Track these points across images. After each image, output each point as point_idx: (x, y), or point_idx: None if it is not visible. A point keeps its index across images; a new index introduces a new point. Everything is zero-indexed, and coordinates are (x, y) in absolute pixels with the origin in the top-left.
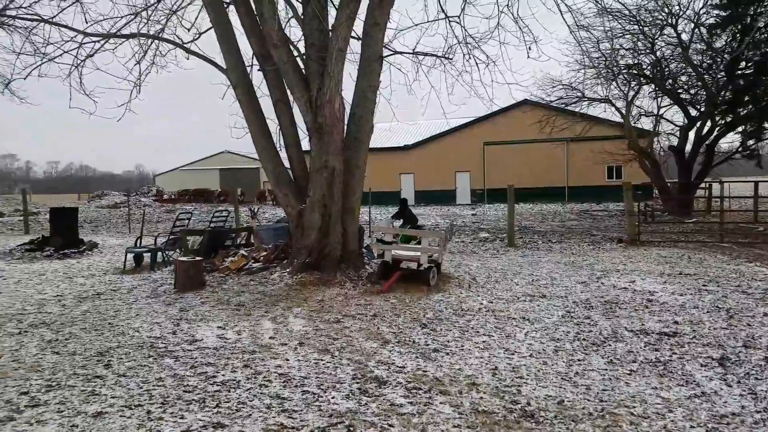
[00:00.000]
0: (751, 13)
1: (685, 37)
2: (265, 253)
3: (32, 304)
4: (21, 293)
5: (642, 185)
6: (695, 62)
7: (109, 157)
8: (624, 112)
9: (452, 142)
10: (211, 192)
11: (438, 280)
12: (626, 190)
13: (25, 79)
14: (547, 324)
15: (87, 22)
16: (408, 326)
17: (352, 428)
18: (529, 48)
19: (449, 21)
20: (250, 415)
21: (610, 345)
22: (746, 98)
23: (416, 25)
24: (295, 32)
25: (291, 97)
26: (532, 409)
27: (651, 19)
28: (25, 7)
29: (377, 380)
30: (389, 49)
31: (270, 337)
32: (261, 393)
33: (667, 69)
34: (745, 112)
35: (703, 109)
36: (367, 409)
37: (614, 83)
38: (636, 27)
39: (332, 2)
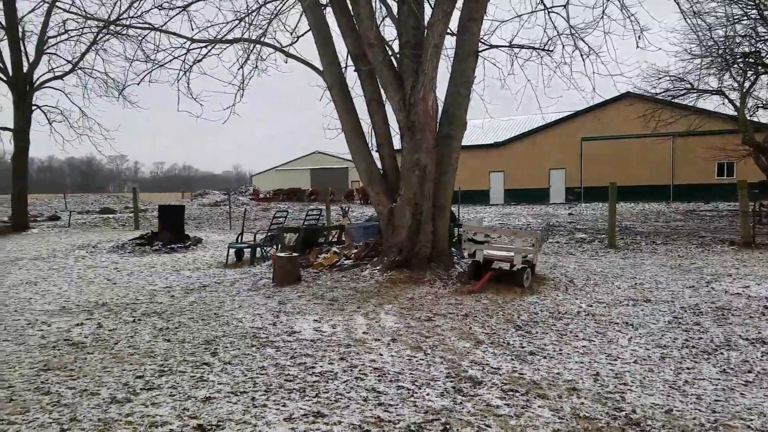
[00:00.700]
0: None
1: None
2: (356, 250)
3: (144, 294)
4: (134, 284)
5: (758, 183)
6: None
7: (210, 158)
8: (738, 104)
9: (546, 139)
10: (302, 191)
11: (532, 281)
12: (741, 188)
13: (138, 84)
14: (652, 330)
15: (193, 29)
16: (501, 327)
17: (448, 426)
18: (639, 37)
19: (548, 12)
20: (348, 406)
21: (722, 353)
22: None
23: (516, 16)
24: (388, 31)
25: (384, 96)
26: (637, 417)
27: None
28: (136, 17)
29: (472, 380)
30: (484, 44)
31: (363, 332)
32: (357, 386)
33: None
34: None
35: None
36: (463, 408)
37: (728, 73)
38: (755, 11)
39: (428, 0)
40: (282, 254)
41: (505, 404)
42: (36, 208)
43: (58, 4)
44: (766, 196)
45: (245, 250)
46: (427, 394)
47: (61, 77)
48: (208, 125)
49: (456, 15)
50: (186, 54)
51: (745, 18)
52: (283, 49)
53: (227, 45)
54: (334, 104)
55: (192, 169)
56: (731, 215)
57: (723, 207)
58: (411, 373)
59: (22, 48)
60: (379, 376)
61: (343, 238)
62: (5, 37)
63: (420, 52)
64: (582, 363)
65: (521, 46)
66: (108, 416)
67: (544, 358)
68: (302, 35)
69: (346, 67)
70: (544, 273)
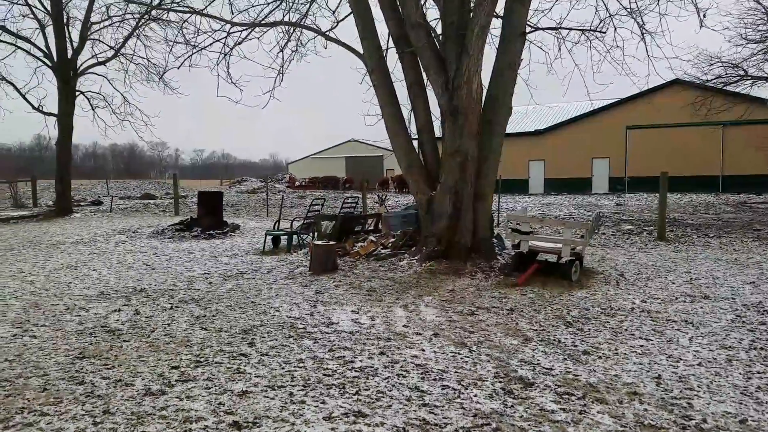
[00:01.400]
0: None
1: None
2: (393, 239)
3: (182, 280)
4: (172, 270)
5: None
6: None
7: (248, 147)
8: None
9: (590, 127)
10: (337, 179)
11: (580, 275)
12: None
13: (178, 68)
14: (714, 329)
15: (233, 13)
16: (551, 324)
17: None
18: (704, 15)
19: None
20: (390, 406)
21: None
22: None
23: None
24: (431, 13)
25: (426, 80)
26: (709, 427)
27: None
28: (178, 2)
29: (522, 381)
30: (531, 26)
31: (403, 325)
32: (399, 383)
33: None
34: None
35: None
36: (514, 412)
37: None
38: None
39: None
40: (319, 242)
41: (560, 409)
42: (80, 193)
43: None
44: None
45: (282, 237)
46: (475, 396)
47: (104, 63)
48: (246, 114)
49: None
50: (226, 37)
51: None
52: (325, 33)
53: (267, 28)
54: (374, 89)
55: (230, 157)
56: None
57: None
58: (456, 372)
59: (67, 34)
60: (422, 373)
61: (380, 227)
62: (51, 23)
63: (465, 32)
64: (641, 364)
65: (570, 28)
66: (141, 409)
67: (599, 358)
68: (342, 20)
69: (386, 50)
70: (591, 266)
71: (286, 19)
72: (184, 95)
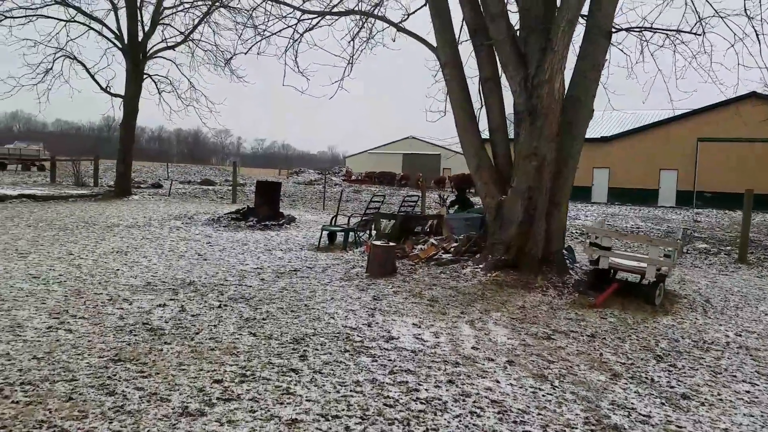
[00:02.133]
0: None
1: None
2: (455, 244)
3: (233, 275)
4: (224, 262)
5: None
6: None
7: (307, 138)
8: None
9: (659, 136)
10: (393, 175)
11: (663, 298)
12: None
13: (245, 54)
14: None
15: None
16: (639, 357)
17: None
18: None
19: None
20: None
21: None
22: None
23: None
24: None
25: (502, 77)
26: None
27: None
28: None
29: (617, 430)
30: (615, 26)
31: (472, 347)
32: (474, 424)
33: None
34: None
35: None
36: None
37: None
38: None
39: None
40: (378, 243)
41: None
42: (141, 175)
43: None
44: None
45: (338, 233)
46: None
47: (173, 47)
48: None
49: None
50: (297, 24)
51: None
52: (397, 23)
53: (338, 17)
54: (445, 83)
55: (290, 148)
56: None
57: None
58: (539, 414)
59: (139, 17)
60: (499, 413)
61: (441, 229)
62: (124, 5)
63: (550, 26)
64: (753, 417)
65: (657, 29)
66: None
67: (702, 404)
68: (413, 12)
69: (460, 43)
70: (672, 288)
71: (357, 8)
72: (250, 83)
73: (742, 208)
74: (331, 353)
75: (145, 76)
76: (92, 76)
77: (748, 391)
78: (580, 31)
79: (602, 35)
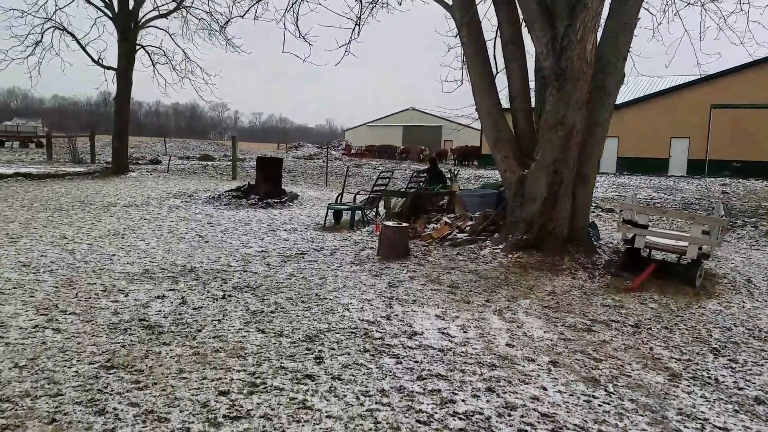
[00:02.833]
0: None
1: None
2: (471, 222)
3: (237, 259)
4: (227, 245)
5: None
6: None
7: (304, 111)
8: None
9: (670, 104)
10: (394, 148)
11: (702, 279)
12: None
13: (242, 17)
14: None
15: None
16: (693, 350)
17: None
18: None
19: None
20: None
21: None
22: None
23: None
24: None
25: (525, 40)
26: None
27: None
28: None
29: None
30: None
31: (507, 344)
32: None
33: None
34: None
35: None
36: None
37: None
38: None
39: None
40: (390, 223)
41: None
42: (140, 151)
43: None
44: None
45: (345, 212)
46: None
47: (165, 15)
48: (305, 78)
49: None
50: None
51: None
52: None
53: None
54: (462, 46)
55: (288, 121)
56: None
57: None
58: (600, 431)
59: None
60: (553, 431)
61: (453, 206)
62: None
63: None
64: None
65: None
66: None
67: None
68: None
69: (478, 2)
70: (709, 266)
71: None
72: (246, 53)
73: (758, 177)
74: (349, 353)
75: (138, 47)
76: (83, 48)
77: None
78: None
79: None
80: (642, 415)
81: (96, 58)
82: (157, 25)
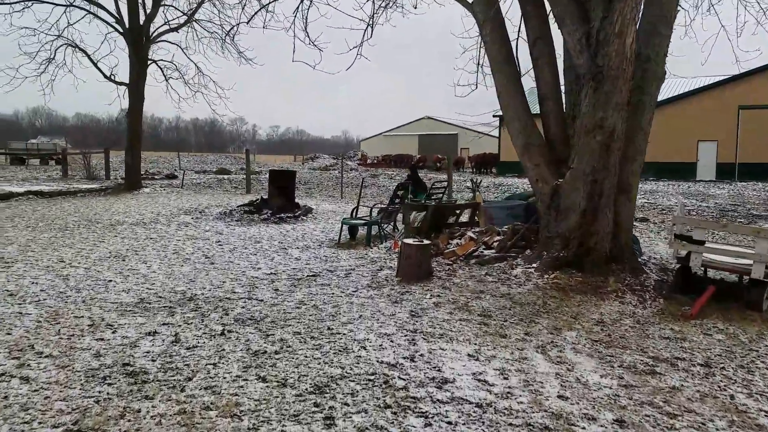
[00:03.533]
0: None
1: None
2: (499, 237)
3: (243, 284)
4: (234, 267)
5: None
6: None
7: (320, 123)
8: None
9: (696, 105)
10: (410, 157)
11: None
12: None
13: (247, 23)
14: None
15: None
16: None
17: None
18: None
19: None
20: None
21: None
22: None
23: None
24: None
25: (555, 36)
26: None
27: None
28: None
29: None
30: None
31: (559, 395)
32: None
33: None
34: None
35: None
36: None
37: None
38: None
39: None
40: (410, 241)
41: None
42: (158, 166)
43: None
44: None
45: (360, 227)
46: None
47: (176, 29)
48: (320, 90)
49: None
50: None
51: None
52: None
53: None
54: (484, 45)
55: (304, 133)
56: None
57: None
58: None
59: None
60: None
61: (477, 219)
62: None
63: None
64: None
65: None
66: None
67: None
68: None
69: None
70: None
71: None
72: (259, 65)
73: None
74: (366, 411)
75: (149, 61)
76: (95, 64)
77: None
78: None
79: None
80: None
81: (108, 74)
82: (169, 39)
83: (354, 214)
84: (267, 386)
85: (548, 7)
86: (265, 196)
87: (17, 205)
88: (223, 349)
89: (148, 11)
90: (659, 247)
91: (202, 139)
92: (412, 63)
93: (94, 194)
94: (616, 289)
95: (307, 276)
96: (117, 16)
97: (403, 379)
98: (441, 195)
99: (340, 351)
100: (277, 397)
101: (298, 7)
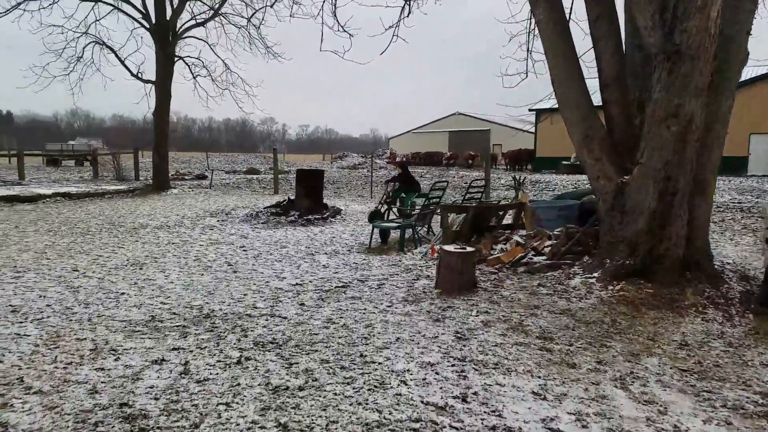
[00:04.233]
0: None
1: None
2: (550, 242)
3: (266, 297)
4: (257, 276)
5: None
6: None
7: (349, 121)
8: None
9: (748, 96)
10: (440, 155)
11: None
12: None
13: (271, 6)
14: None
15: None
16: None
17: None
18: None
19: None
20: None
21: None
22: None
23: None
24: None
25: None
26: None
27: None
28: None
29: None
30: None
31: None
32: None
33: None
34: None
35: None
36: None
37: None
38: None
39: None
40: (451, 248)
41: None
42: (189, 166)
43: None
44: None
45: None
46: None
47: (203, 23)
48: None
49: None
50: None
51: None
52: None
53: None
54: (537, 25)
55: (333, 132)
56: None
57: None
58: None
59: None
60: None
61: (522, 221)
62: None
63: None
64: None
65: None
66: None
67: None
68: None
69: None
70: None
71: None
72: (286, 60)
73: None
74: None
75: (176, 58)
76: (122, 62)
77: None
78: None
79: None
80: None
81: (135, 72)
82: (196, 34)
83: (387, 215)
84: None
85: None
86: (293, 197)
87: (44, 207)
88: (239, 383)
89: (175, 5)
90: (727, 250)
91: (233, 139)
92: (442, 58)
93: (121, 195)
94: (695, 303)
95: (336, 287)
96: (143, 11)
97: (456, 429)
98: (480, 196)
99: (375, 387)
100: None
101: None
